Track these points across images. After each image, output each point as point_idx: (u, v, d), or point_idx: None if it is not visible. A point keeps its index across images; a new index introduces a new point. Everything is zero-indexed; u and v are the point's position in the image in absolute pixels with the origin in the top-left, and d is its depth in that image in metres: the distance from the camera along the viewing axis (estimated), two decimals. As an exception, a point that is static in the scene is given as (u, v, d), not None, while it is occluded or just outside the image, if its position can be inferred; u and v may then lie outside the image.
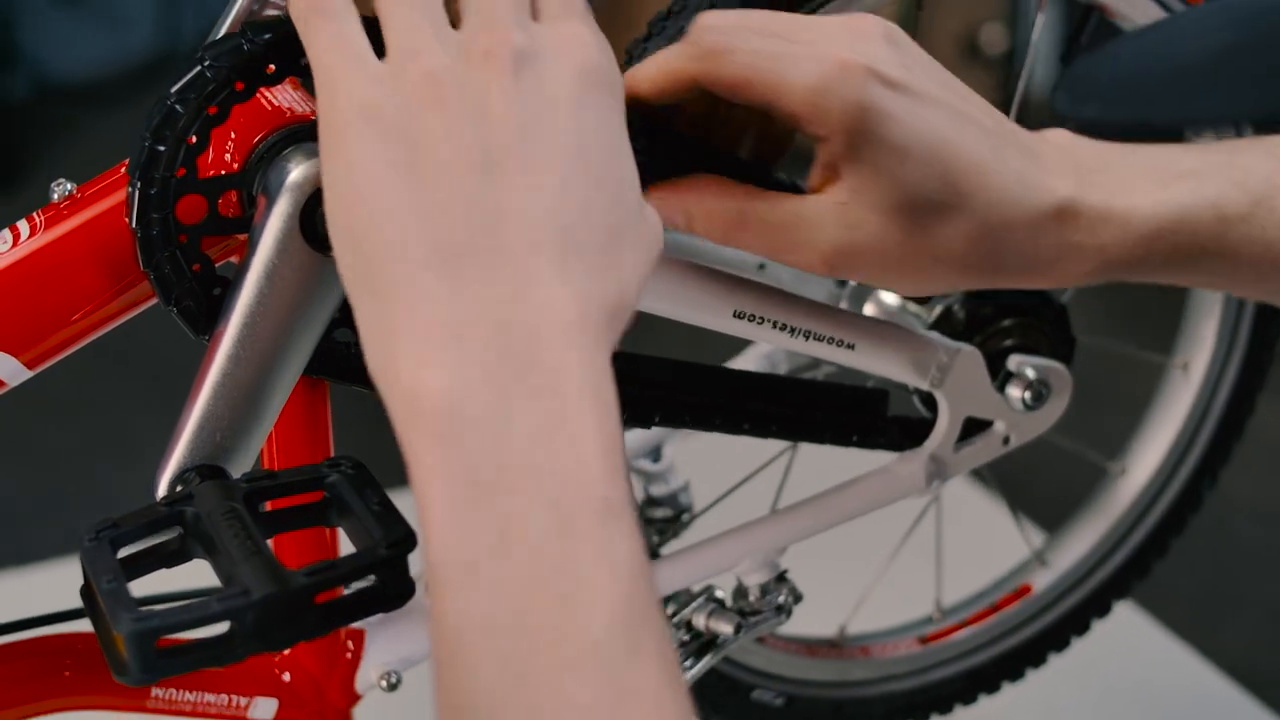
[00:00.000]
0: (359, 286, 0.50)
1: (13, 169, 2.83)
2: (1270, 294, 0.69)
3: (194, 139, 0.59)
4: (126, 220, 0.60)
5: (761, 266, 0.79)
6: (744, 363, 0.90)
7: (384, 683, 0.74)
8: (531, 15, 0.55)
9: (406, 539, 0.56)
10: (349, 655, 0.74)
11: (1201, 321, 0.99)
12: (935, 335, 0.76)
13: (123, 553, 0.57)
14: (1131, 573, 1.04)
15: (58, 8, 3.05)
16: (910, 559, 1.01)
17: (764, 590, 0.80)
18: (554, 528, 0.46)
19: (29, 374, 0.64)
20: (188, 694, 0.72)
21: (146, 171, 0.59)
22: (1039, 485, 1.36)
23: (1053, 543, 1.03)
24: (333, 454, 0.70)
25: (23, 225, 0.63)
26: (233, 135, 0.62)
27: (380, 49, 0.53)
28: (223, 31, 0.61)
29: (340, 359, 0.67)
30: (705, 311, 0.68)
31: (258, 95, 0.62)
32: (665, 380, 0.73)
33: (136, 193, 0.59)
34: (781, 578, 0.81)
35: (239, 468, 0.62)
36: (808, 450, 0.87)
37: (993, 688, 1.03)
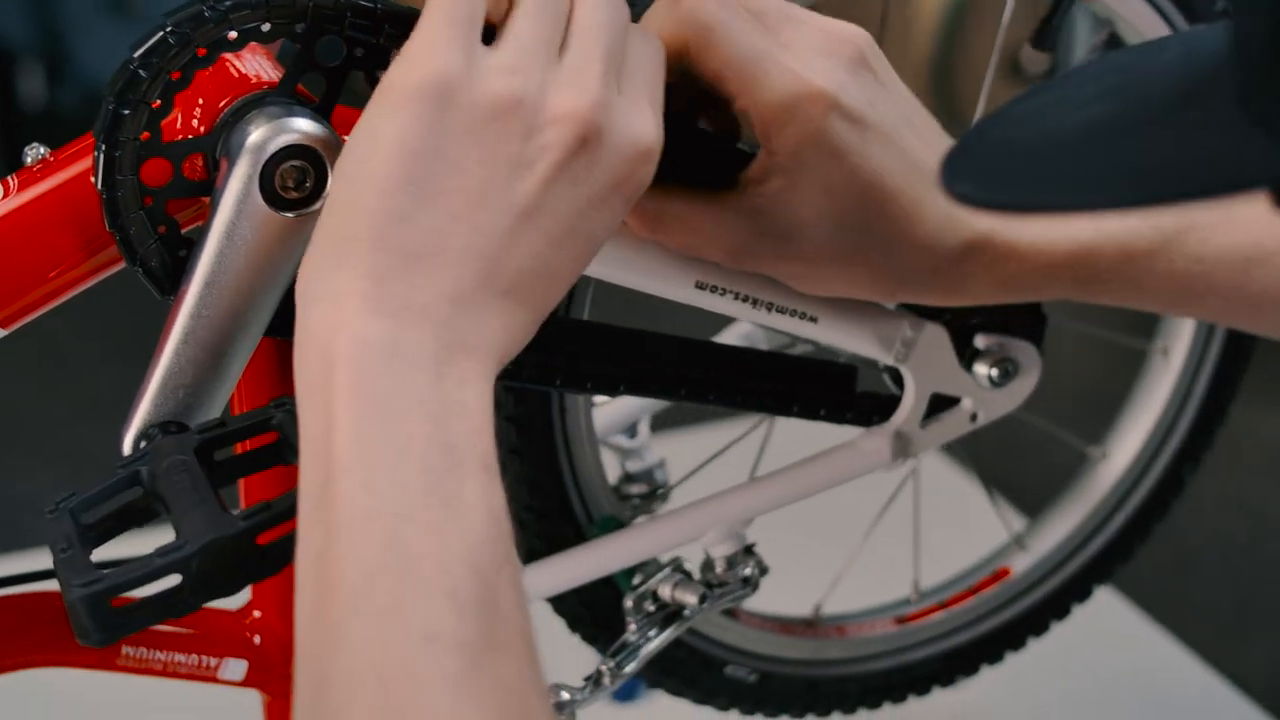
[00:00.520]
0: (328, 213, 0.55)
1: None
2: (1186, 315, 0.70)
3: (158, 103, 0.60)
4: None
5: None
6: (723, 340, 0.91)
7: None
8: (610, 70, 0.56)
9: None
10: (318, 618, 0.75)
11: (1182, 307, 0.99)
12: (899, 311, 0.77)
13: (88, 518, 0.59)
14: (1112, 557, 1.04)
15: (107, 18, 3.06)
16: (890, 542, 1.02)
17: (730, 563, 0.81)
18: (440, 457, 0.50)
19: (3, 332, 0.65)
20: (158, 653, 0.73)
21: (111, 134, 0.60)
22: (1020, 470, 1.36)
23: (1033, 527, 1.03)
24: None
25: (-4, 188, 0.65)
26: (200, 100, 0.63)
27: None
28: None
29: None
30: (667, 282, 0.69)
31: (225, 62, 0.64)
32: (632, 350, 0.74)
33: (101, 155, 0.60)
34: (749, 550, 0.82)
35: (203, 426, 0.63)
36: (786, 427, 0.87)
37: (971, 670, 1.03)
